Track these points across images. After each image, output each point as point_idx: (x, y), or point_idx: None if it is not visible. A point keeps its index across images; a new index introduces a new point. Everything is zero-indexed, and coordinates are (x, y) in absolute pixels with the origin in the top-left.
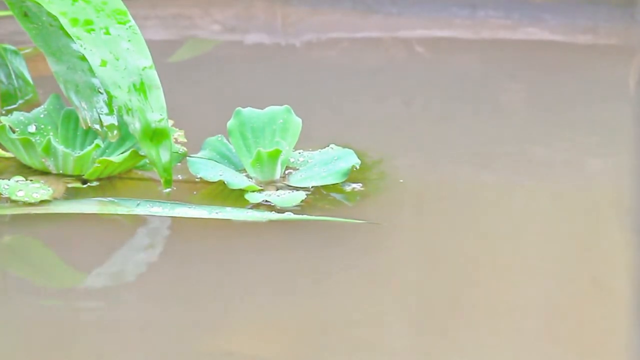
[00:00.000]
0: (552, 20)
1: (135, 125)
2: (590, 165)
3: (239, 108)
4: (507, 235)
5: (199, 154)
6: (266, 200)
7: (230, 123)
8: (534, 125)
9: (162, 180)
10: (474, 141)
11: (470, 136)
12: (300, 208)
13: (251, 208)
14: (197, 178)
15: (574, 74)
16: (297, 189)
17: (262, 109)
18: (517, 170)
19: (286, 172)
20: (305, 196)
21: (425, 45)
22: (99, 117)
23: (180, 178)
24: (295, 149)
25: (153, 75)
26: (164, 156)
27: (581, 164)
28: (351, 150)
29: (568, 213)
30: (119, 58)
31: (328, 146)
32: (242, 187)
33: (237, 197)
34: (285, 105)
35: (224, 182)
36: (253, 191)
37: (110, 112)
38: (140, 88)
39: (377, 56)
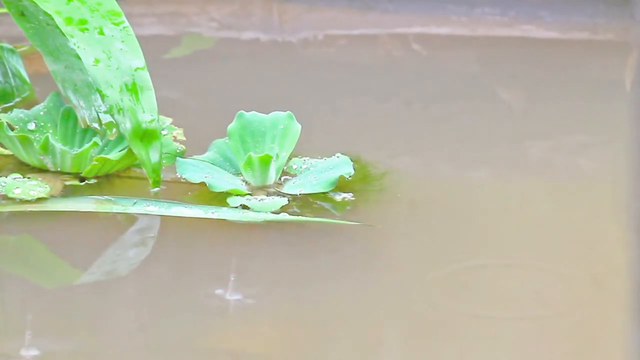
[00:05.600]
0: (549, 17)
1: (126, 125)
2: (588, 164)
3: (242, 111)
4: (505, 235)
5: (204, 155)
6: (244, 205)
7: (231, 126)
8: (531, 123)
9: (150, 181)
10: (472, 140)
11: (468, 135)
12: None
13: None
14: (182, 179)
15: (571, 72)
16: (287, 195)
17: (258, 106)
18: (515, 169)
19: (283, 178)
20: (288, 203)
21: (422, 42)
22: (98, 115)
23: (179, 177)
24: (302, 155)
25: (145, 76)
26: (154, 157)
27: (579, 163)
28: (348, 159)
29: (566, 211)
30: (111, 58)
31: (334, 154)
32: (224, 190)
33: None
34: (288, 112)
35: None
36: (237, 195)
37: None
38: (132, 88)
39: (374, 53)
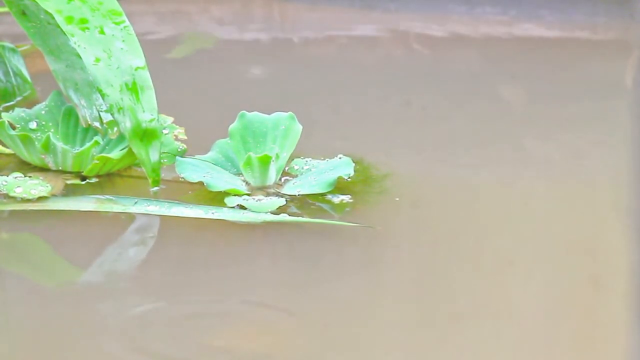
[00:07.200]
0: (550, 16)
1: (126, 124)
2: (589, 163)
3: (244, 111)
4: (505, 235)
5: (207, 155)
6: (241, 205)
7: (233, 126)
8: (531, 122)
9: (149, 180)
10: (472, 140)
11: (468, 135)
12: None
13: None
14: (181, 178)
15: (572, 71)
16: (286, 196)
17: (259, 106)
18: (515, 169)
19: (283, 179)
20: (285, 203)
21: (422, 41)
22: (99, 114)
23: (181, 177)
24: (304, 156)
25: (146, 76)
26: (153, 156)
27: (579, 162)
28: (349, 161)
29: (567, 211)
30: (112, 57)
31: (337, 155)
32: (222, 189)
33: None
34: (290, 112)
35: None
36: (236, 195)
37: None
38: (133, 88)
39: (375, 53)
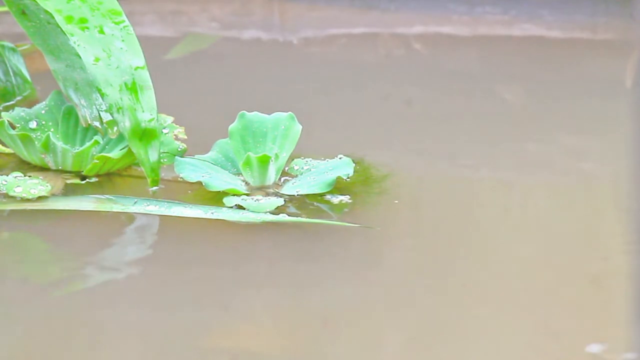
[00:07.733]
0: (550, 16)
1: (125, 123)
2: (588, 163)
3: (244, 111)
4: (505, 235)
5: (207, 155)
6: (239, 205)
7: (233, 126)
8: (531, 122)
9: (148, 180)
10: (472, 140)
11: (468, 134)
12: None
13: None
14: (180, 178)
15: (572, 71)
16: (285, 196)
17: (260, 105)
18: (515, 169)
19: (283, 179)
20: (284, 203)
21: (422, 41)
22: (99, 113)
23: (180, 177)
24: (305, 156)
25: (145, 75)
26: (152, 156)
27: (579, 162)
28: (349, 161)
29: (566, 211)
30: (111, 56)
31: (337, 156)
32: (221, 189)
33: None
34: (289, 112)
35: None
36: (234, 194)
37: None
38: (132, 88)
39: (374, 52)
